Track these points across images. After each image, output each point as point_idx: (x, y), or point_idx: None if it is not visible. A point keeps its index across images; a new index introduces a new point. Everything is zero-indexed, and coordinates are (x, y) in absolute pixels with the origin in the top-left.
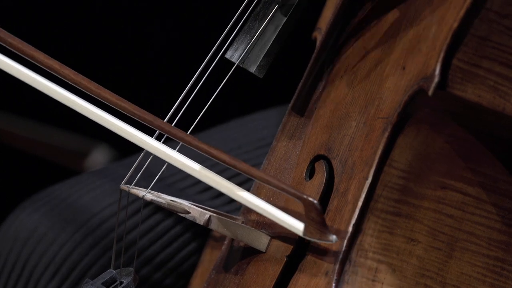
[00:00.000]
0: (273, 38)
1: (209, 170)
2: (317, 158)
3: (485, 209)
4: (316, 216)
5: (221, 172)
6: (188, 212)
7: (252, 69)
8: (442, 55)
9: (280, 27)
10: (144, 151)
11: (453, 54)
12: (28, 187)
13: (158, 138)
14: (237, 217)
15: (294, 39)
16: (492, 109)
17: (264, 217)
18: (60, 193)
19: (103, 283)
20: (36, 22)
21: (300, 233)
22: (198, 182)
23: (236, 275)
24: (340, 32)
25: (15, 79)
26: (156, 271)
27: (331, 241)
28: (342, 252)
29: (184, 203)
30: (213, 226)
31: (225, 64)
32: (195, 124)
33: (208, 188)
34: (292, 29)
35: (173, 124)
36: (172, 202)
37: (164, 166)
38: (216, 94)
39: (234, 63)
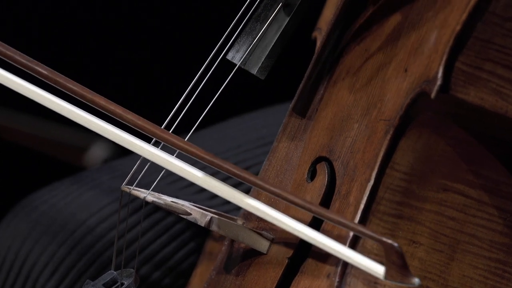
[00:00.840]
0: (274, 40)
1: (214, 178)
2: (318, 160)
3: (487, 211)
4: (397, 259)
5: (225, 179)
6: (189, 214)
7: (254, 71)
8: (444, 58)
9: (282, 29)
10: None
11: (456, 57)
12: (27, 182)
13: (158, 146)
14: (238, 217)
15: (293, 38)
16: (494, 112)
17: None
18: (59, 192)
19: (104, 284)
20: (36, 22)
21: (381, 277)
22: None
23: (237, 277)
24: (341, 33)
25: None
26: (155, 270)
27: (414, 284)
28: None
29: (185, 204)
30: (214, 227)
31: (227, 65)
32: (196, 126)
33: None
34: (294, 31)
35: (174, 125)
36: (173, 203)
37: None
38: (217, 96)
39: (236, 65)
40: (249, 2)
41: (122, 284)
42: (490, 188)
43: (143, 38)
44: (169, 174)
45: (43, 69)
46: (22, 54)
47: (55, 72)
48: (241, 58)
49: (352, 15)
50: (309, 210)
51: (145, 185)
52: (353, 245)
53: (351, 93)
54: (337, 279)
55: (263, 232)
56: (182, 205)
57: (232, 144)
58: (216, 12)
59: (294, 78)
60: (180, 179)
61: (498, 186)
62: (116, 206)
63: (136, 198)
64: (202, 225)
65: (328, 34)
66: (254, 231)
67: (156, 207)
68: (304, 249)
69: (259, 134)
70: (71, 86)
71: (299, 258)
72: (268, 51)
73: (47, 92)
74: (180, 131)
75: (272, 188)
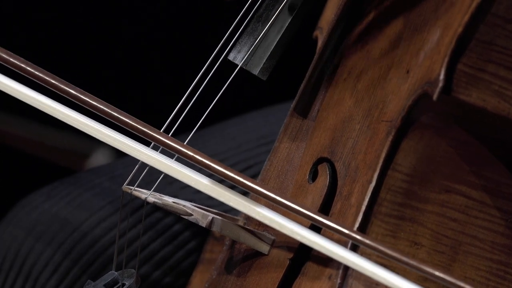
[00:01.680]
0: (276, 41)
1: (222, 185)
2: (320, 160)
3: (489, 212)
4: None
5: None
6: (191, 214)
7: (256, 72)
8: (446, 59)
9: (284, 29)
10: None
11: (458, 59)
12: (28, 188)
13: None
14: (239, 217)
15: (294, 38)
16: (496, 114)
17: None
18: (59, 191)
19: (105, 285)
20: (36, 23)
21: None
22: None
23: (238, 277)
24: (342, 32)
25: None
26: (155, 269)
27: None
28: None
29: (187, 205)
30: (216, 228)
31: (228, 65)
32: (197, 126)
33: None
34: (296, 31)
35: (175, 126)
36: (174, 204)
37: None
38: (219, 96)
39: (237, 65)
40: (250, 2)
41: (123, 284)
42: (491, 189)
43: (144, 38)
44: None
45: (35, 70)
46: (25, 61)
47: (50, 73)
48: (243, 58)
49: (354, 15)
50: (308, 217)
51: (145, 184)
52: (355, 248)
53: (353, 94)
54: (338, 281)
55: (264, 233)
56: (184, 205)
57: (233, 144)
58: (217, 12)
59: (295, 77)
60: None
61: (499, 187)
62: (116, 206)
63: (137, 198)
64: (204, 226)
65: (330, 34)
66: (255, 232)
67: (156, 206)
68: (305, 250)
69: (260, 134)
70: (64, 87)
71: (301, 259)
72: (270, 51)
73: (39, 94)
74: (181, 132)
75: (271, 195)
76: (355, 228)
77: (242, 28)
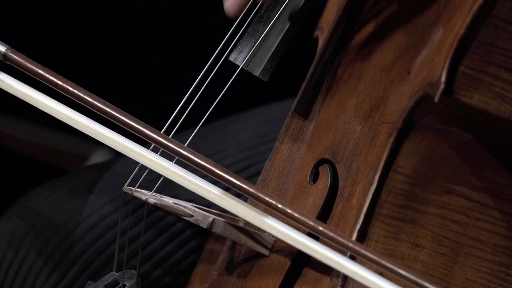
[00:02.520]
0: (277, 42)
1: (230, 195)
2: (321, 162)
3: (490, 214)
4: None
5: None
6: (192, 216)
7: (257, 73)
8: (448, 61)
9: (285, 30)
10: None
11: (459, 61)
12: (27, 190)
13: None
14: (240, 218)
15: (295, 38)
16: (498, 116)
17: None
18: (59, 188)
19: (105, 286)
20: (36, 22)
21: None
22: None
23: (239, 279)
24: (343, 33)
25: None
26: (156, 268)
27: None
28: (347, 257)
29: (188, 206)
30: (217, 229)
31: (229, 66)
32: (198, 128)
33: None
34: (297, 33)
35: (176, 127)
36: (175, 205)
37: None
38: (219, 96)
39: (238, 66)
40: (251, 2)
41: (124, 285)
42: (493, 191)
43: (144, 39)
44: None
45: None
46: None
47: (49, 70)
48: (244, 59)
49: (354, 16)
50: (305, 225)
51: (146, 182)
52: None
53: (354, 95)
54: (339, 282)
55: (265, 234)
56: (184, 207)
57: (234, 142)
58: (218, 12)
59: (295, 76)
60: None
61: (501, 189)
62: (117, 204)
63: (137, 197)
64: (204, 227)
65: (330, 35)
66: (256, 233)
67: (157, 206)
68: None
69: (261, 132)
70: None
71: (301, 261)
72: (271, 52)
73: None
74: (182, 132)
75: (272, 202)
76: (356, 230)
77: (243, 29)
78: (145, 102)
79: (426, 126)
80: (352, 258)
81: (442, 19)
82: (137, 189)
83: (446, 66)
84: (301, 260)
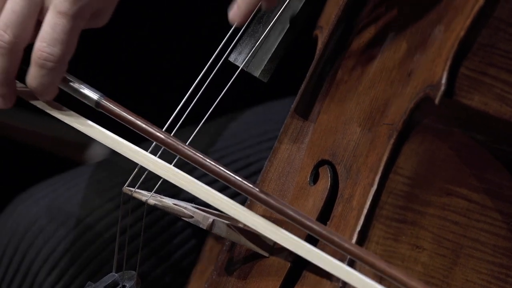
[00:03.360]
0: (277, 43)
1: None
2: (321, 163)
3: (490, 215)
4: None
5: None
6: (192, 217)
7: (257, 74)
8: (449, 63)
9: (285, 31)
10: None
11: (460, 62)
12: (27, 179)
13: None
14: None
15: (295, 40)
16: (498, 117)
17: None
18: (59, 186)
19: (105, 287)
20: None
21: None
22: (200, 177)
23: (239, 279)
24: (343, 34)
25: None
26: (155, 267)
27: None
28: (347, 259)
29: (188, 207)
30: (217, 230)
31: (229, 66)
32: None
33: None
34: (297, 34)
35: (176, 128)
36: (175, 206)
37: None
38: (219, 97)
39: (238, 66)
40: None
41: (124, 286)
42: (493, 192)
43: (144, 39)
44: None
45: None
46: None
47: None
48: (244, 60)
49: (354, 16)
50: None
51: (146, 181)
52: (352, 262)
53: (354, 96)
54: (340, 284)
55: (265, 235)
56: (184, 208)
57: (234, 140)
58: (218, 13)
59: (295, 75)
60: None
61: (501, 190)
62: (116, 202)
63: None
64: (204, 228)
65: (330, 35)
66: (257, 234)
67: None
68: None
69: (261, 130)
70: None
71: (302, 262)
72: (271, 54)
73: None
74: (182, 133)
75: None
76: (357, 231)
77: (243, 30)
78: (144, 102)
79: (427, 127)
80: (352, 262)
81: (443, 20)
82: (137, 190)
83: (447, 67)
84: (301, 261)
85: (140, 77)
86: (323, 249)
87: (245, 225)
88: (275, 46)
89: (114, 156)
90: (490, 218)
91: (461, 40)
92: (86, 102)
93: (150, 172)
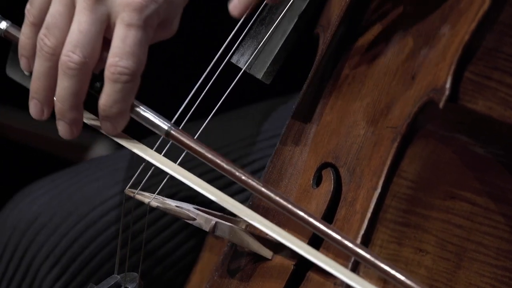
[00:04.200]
0: (280, 44)
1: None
2: (324, 165)
3: (494, 219)
4: None
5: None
6: (194, 219)
7: (259, 76)
8: (453, 67)
9: (288, 33)
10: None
11: (464, 67)
12: (29, 180)
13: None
14: (241, 219)
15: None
16: (502, 121)
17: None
18: (61, 182)
19: None
20: None
21: None
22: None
23: (241, 282)
24: (345, 35)
25: None
26: (155, 266)
27: None
28: (351, 263)
29: (190, 209)
30: (219, 232)
31: (231, 68)
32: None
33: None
34: (299, 35)
35: (180, 127)
36: (178, 208)
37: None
38: (222, 99)
39: (240, 68)
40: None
41: None
42: (497, 196)
43: None
44: None
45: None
46: None
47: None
48: (246, 62)
49: (357, 18)
50: (309, 225)
51: (147, 179)
52: (355, 267)
53: (357, 99)
54: (343, 287)
55: (268, 237)
56: (187, 210)
57: (236, 138)
58: (220, 14)
59: (297, 73)
60: None
61: (504, 193)
62: (118, 199)
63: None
64: (207, 230)
65: (332, 36)
66: (259, 236)
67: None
68: None
69: (263, 128)
70: None
71: (305, 265)
72: (274, 56)
73: None
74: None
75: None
76: (360, 235)
77: (246, 31)
78: (147, 103)
79: (430, 131)
80: (356, 264)
81: (447, 23)
82: (139, 192)
83: (451, 72)
84: (305, 263)
85: (140, 77)
86: (327, 250)
87: (247, 227)
88: (278, 48)
89: (115, 153)
90: (493, 221)
91: (465, 44)
92: (155, 131)
93: (152, 172)
